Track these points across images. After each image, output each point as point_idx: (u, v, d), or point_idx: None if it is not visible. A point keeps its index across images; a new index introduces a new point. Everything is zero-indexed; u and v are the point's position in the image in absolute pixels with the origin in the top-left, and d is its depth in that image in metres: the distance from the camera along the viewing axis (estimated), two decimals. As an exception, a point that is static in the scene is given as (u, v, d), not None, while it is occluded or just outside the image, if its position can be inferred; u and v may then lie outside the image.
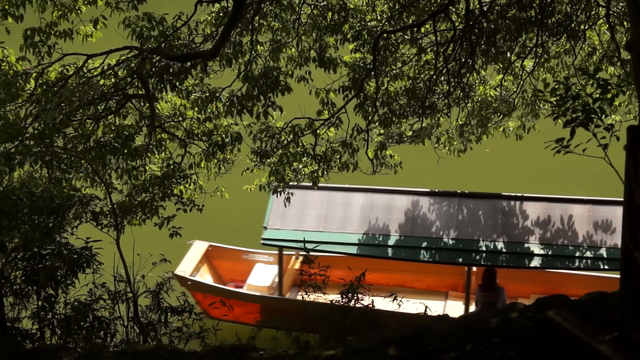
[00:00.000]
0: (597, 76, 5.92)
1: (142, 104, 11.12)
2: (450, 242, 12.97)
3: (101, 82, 10.41)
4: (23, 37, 10.21)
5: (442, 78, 12.25)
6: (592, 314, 6.02)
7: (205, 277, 14.72)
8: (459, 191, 13.92)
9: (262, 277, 14.45)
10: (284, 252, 14.20)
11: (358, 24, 11.53)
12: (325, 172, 12.45)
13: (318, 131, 11.86)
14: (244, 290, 14.25)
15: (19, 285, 8.28)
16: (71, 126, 10.41)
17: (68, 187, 10.12)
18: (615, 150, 5.68)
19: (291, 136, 11.68)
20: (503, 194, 13.64)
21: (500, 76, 13.08)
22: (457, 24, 11.56)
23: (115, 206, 9.84)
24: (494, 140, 14.34)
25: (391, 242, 13.12)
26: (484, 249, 12.82)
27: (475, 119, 13.56)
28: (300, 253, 14.80)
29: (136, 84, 10.55)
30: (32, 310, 8.34)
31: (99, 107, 10.55)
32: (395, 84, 12.55)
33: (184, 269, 14.25)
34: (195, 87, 11.17)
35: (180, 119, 11.58)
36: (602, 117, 5.76)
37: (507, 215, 13.20)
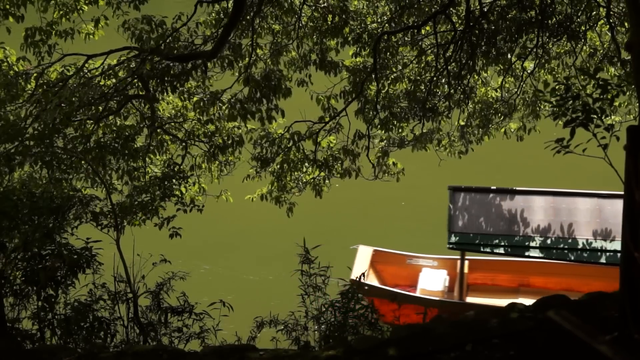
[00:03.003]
0: (597, 76, 5.92)
1: (142, 104, 11.12)
2: None
3: (101, 82, 10.41)
4: (24, 36, 10.21)
5: (443, 80, 12.25)
6: (592, 314, 6.01)
7: (373, 281, 14.62)
8: None
9: (432, 281, 14.29)
10: (450, 256, 14.20)
11: (358, 27, 11.52)
12: (327, 179, 12.44)
13: (318, 138, 11.85)
14: (418, 294, 14.06)
15: (19, 286, 8.26)
16: (71, 126, 10.41)
17: (68, 187, 10.11)
18: (616, 150, 5.68)
19: (292, 142, 11.67)
20: None
21: (501, 77, 13.08)
22: (457, 25, 11.56)
23: (115, 206, 9.83)
24: (494, 141, 14.34)
25: (576, 245, 12.75)
26: None
27: (477, 120, 13.56)
28: (466, 257, 14.49)
29: (136, 84, 10.56)
30: (32, 311, 8.33)
31: (99, 108, 10.55)
32: (396, 86, 12.55)
33: (359, 273, 14.06)
34: (197, 89, 11.17)
35: (182, 120, 11.58)
36: (602, 117, 5.75)
37: None
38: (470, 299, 14.30)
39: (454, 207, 13.48)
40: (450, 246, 13.14)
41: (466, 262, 14.58)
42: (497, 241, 12.90)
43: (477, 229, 13.19)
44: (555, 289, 14.28)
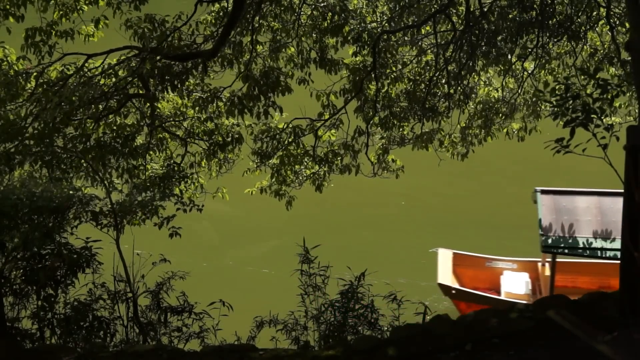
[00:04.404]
0: (597, 76, 5.93)
1: (142, 103, 11.12)
2: None
3: (101, 81, 10.41)
4: (24, 37, 10.20)
5: (443, 80, 12.24)
6: (592, 314, 6.01)
7: (454, 284, 14.61)
8: None
9: (516, 284, 14.25)
10: (529, 259, 14.15)
11: (358, 26, 11.51)
12: (327, 174, 12.42)
13: (319, 132, 11.84)
14: (504, 298, 14.01)
15: (19, 285, 8.27)
16: (71, 126, 10.40)
17: (68, 186, 10.10)
18: (616, 150, 5.68)
19: (292, 137, 11.67)
20: None
21: (501, 78, 13.07)
22: (457, 25, 11.55)
23: (115, 206, 9.83)
24: (495, 141, 14.32)
25: None
26: None
27: (478, 121, 13.54)
28: (547, 259, 14.46)
29: (137, 83, 10.56)
30: (31, 310, 8.33)
31: (99, 107, 10.55)
32: (396, 86, 12.53)
33: (444, 277, 14.13)
34: (197, 87, 11.17)
35: (182, 118, 11.58)
36: (602, 117, 5.75)
37: None
38: None
39: (544, 210, 13.36)
40: (545, 249, 13.03)
41: (547, 265, 14.45)
42: (590, 244, 12.78)
43: (569, 231, 13.07)
44: None
